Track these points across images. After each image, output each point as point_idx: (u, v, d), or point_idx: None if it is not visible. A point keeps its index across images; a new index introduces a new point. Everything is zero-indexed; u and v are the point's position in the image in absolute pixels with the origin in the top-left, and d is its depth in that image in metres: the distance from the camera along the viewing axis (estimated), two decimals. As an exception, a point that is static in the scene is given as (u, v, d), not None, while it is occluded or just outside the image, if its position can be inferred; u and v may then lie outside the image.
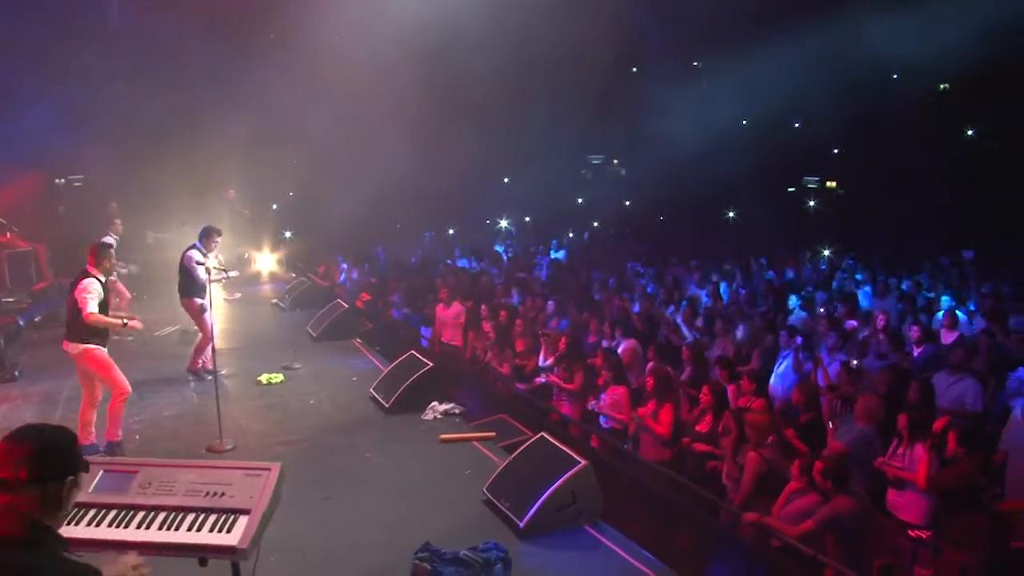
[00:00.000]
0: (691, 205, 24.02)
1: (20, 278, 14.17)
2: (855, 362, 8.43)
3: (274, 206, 22.84)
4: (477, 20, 17.99)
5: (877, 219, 21.81)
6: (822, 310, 11.66)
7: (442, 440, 7.85)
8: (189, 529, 3.48)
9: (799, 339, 9.11)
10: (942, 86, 25.58)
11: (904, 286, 13.06)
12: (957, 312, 10.78)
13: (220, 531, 3.46)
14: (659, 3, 22.23)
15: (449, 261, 18.03)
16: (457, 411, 8.62)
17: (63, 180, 22.53)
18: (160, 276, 14.08)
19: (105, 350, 7.79)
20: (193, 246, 10.05)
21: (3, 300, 13.16)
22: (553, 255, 18.91)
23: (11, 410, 8.96)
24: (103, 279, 7.82)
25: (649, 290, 13.89)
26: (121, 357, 8.35)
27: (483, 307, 12.03)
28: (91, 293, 7.51)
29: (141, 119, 17.23)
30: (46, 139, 15.96)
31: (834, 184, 27.89)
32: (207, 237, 10.14)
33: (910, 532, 6.36)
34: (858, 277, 14.41)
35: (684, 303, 12.12)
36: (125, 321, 7.84)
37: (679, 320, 11.55)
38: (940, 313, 10.96)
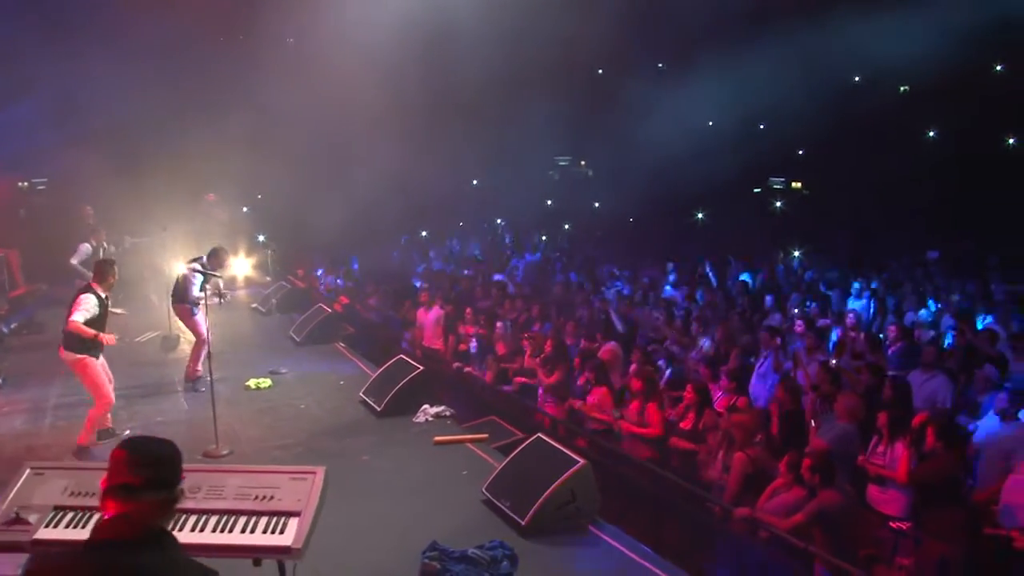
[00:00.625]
0: (660, 206, 24.31)
1: (-6, 285, 14.08)
2: (834, 361, 8.73)
3: (244, 208, 22.73)
4: (445, 21, 18.10)
5: (841, 220, 22.34)
6: (796, 310, 12.00)
7: (436, 442, 8.00)
8: (243, 531, 3.65)
9: (779, 339, 9.41)
10: (902, 88, 26.20)
11: (873, 284, 13.45)
12: (923, 311, 11.19)
13: (274, 532, 3.64)
14: (624, 5, 22.47)
15: (424, 265, 18.17)
16: (448, 413, 8.79)
17: (26, 184, 22.26)
18: (138, 281, 14.08)
19: (98, 361, 8.07)
20: (198, 260, 10.02)
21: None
22: (529, 258, 19.08)
23: (1, 418, 8.97)
24: (104, 295, 8.14)
25: (625, 292, 14.15)
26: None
27: (467, 310, 12.20)
28: (84, 306, 7.86)
29: (117, 121, 17.13)
30: (10, 142, 15.84)
31: (799, 185, 28.39)
32: (215, 257, 10.16)
33: (891, 524, 6.66)
34: (830, 277, 14.75)
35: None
36: (97, 333, 7.96)
37: (612, 311, 11.88)
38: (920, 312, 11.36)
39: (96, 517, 3.70)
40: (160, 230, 13.43)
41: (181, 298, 10.10)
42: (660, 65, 29.02)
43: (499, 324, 11.53)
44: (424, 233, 23.50)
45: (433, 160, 23.50)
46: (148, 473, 2.62)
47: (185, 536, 3.58)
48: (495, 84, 22.94)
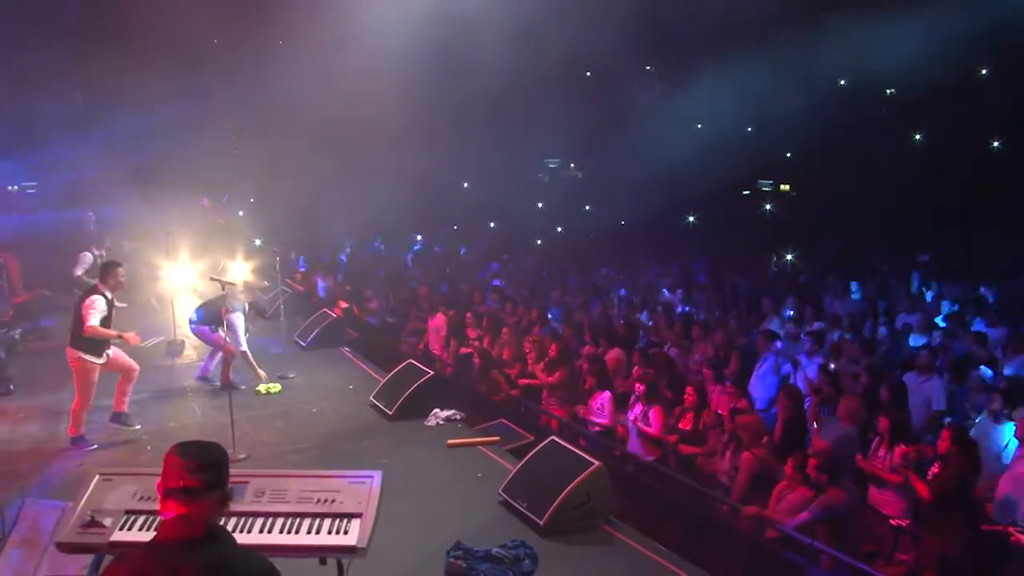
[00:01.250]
0: (650, 209, 24.56)
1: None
2: (832, 365, 9.00)
3: (240, 212, 22.85)
4: (434, 22, 18.24)
5: (829, 222, 22.65)
6: (791, 313, 12.26)
7: (450, 444, 8.22)
8: (308, 532, 3.90)
9: (779, 343, 9.66)
10: (889, 91, 26.58)
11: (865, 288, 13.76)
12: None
13: (338, 533, 3.88)
14: (614, 10, 22.71)
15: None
16: (458, 417, 9.02)
17: (16, 187, 22.31)
18: (140, 286, 14.17)
19: (98, 363, 8.26)
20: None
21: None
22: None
23: (15, 424, 9.09)
24: (109, 295, 8.35)
25: (622, 294, 14.39)
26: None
27: (468, 315, 12.39)
28: (94, 308, 8.10)
29: (113, 124, 17.24)
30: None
31: (787, 187, 28.72)
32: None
33: (891, 522, 6.91)
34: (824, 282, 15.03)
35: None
36: (120, 333, 8.24)
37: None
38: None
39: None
40: (163, 235, 13.56)
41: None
42: (649, 68, 29.31)
43: (504, 330, 11.67)
44: (419, 236, 23.68)
45: (424, 164, 23.68)
46: (205, 476, 2.83)
47: (254, 537, 3.82)
48: (484, 86, 23.13)
